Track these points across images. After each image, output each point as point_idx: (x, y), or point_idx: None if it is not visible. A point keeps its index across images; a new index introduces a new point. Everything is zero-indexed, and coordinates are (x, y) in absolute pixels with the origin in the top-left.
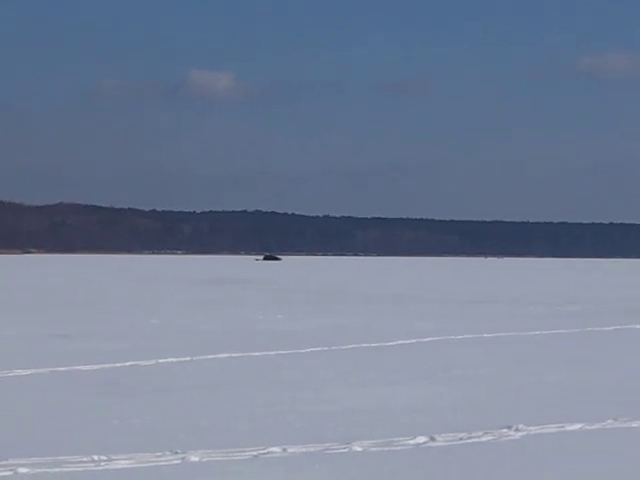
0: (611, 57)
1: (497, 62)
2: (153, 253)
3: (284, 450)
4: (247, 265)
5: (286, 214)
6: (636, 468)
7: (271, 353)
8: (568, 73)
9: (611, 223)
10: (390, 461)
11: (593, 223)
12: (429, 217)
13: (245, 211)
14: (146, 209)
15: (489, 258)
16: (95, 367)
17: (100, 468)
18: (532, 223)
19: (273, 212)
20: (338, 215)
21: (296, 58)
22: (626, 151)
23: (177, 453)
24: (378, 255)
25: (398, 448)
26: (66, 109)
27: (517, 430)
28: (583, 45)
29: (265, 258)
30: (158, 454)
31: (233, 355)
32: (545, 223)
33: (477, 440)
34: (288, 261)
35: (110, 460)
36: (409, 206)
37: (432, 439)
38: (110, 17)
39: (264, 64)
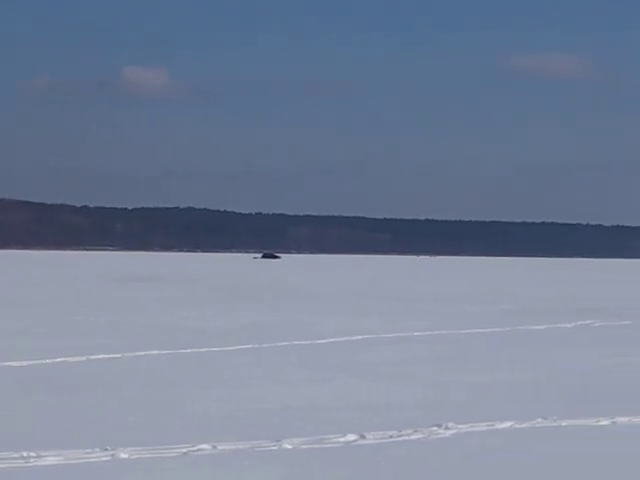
0: (545, 57)
1: (429, 61)
2: (84, 250)
3: (214, 447)
4: (180, 262)
5: (218, 211)
6: (564, 466)
7: (202, 350)
8: (501, 72)
9: (543, 222)
10: (320, 459)
11: (525, 222)
12: (361, 215)
13: (177, 208)
14: (78, 205)
15: (421, 256)
16: (25, 363)
17: (30, 464)
18: (464, 222)
19: (205, 209)
20: (270, 212)
21: (229, 55)
22: (558, 150)
23: (107, 450)
24: (310, 253)
25: (328, 446)
26: None
27: (447, 428)
28: (516, 45)
29: (264, 256)
30: (88, 451)
31: (163, 352)
32: (477, 222)
33: (407, 438)
34: (220, 258)
35: (39, 457)
36: (341, 204)
37: (362, 437)
38: (42, 13)
39: (197, 61)
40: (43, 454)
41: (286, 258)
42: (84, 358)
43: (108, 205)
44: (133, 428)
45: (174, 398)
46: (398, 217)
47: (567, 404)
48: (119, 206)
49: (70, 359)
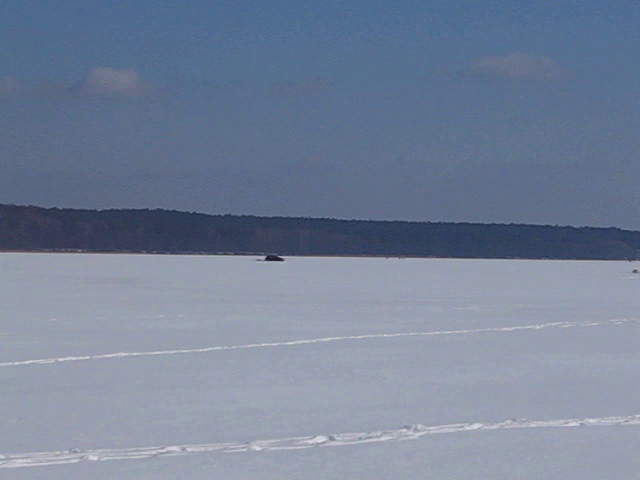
0: (508, 59)
1: (396, 63)
2: (53, 251)
3: (183, 449)
4: (148, 264)
5: (187, 213)
6: (532, 468)
7: (171, 352)
8: (465, 74)
9: (512, 224)
10: (289, 460)
11: (494, 224)
12: (331, 217)
13: (147, 210)
14: (47, 207)
15: (390, 258)
16: None
17: None
18: (433, 223)
19: (174, 211)
20: (239, 214)
21: (198, 56)
22: (526, 152)
23: (76, 452)
24: (279, 254)
25: (297, 448)
26: None
27: (416, 430)
28: (480, 47)
29: (267, 258)
30: (57, 453)
31: (133, 354)
32: (446, 224)
33: (376, 440)
34: (189, 260)
35: (8, 459)
36: (311, 206)
37: (331, 439)
38: (10, 14)
39: (166, 62)
40: (12, 456)
41: (290, 261)
42: (52, 360)
43: (77, 207)
44: (102, 430)
45: (143, 400)
46: (368, 219)
47: (536, 405)
48: (88, 208)
49: (39, 361)
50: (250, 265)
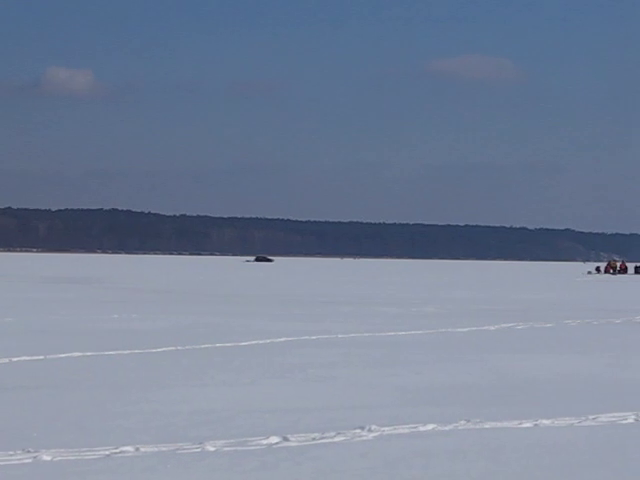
0: (462, 61)
1: (350, 64)
2: (8, 251)
3: (137, 449)
4: (103, 264)
5: (142, 213)
6: (486, 469)
7: (125, 352)
8: (419, 76)
9: (467, 225)
10: (243, 461)
11: (449, 225)
12: (286, 217)
13: (101, 209)
14: (1, 206)
15: (345, 258)
16: None
17: None
18: (388, 224)
19: (129, 211)
20: (194, 214)
21: (153, 57)
22: (480, 154)
23: (29, 452)
24: (234, 255)
25: (251, 448)
26: None
27: (370, 431)
28: (434, 49)
29: (257, 259)
30: (10, 453)
31: (87, 354)
32: (401, 224)
33: (330, 440)
34: (144, 260)
35: None
36: (266, 206)
37: (285, 439)
38: None
39: (123, 62)
40: None
41: (279, 262)
42: (6, 360)
43: (32, 207)
44: (56, 430)
45: (97, 400)
46: (323, 219)
47: (490, 406)
48: (43, 207)
49: None
50: (195, 263)
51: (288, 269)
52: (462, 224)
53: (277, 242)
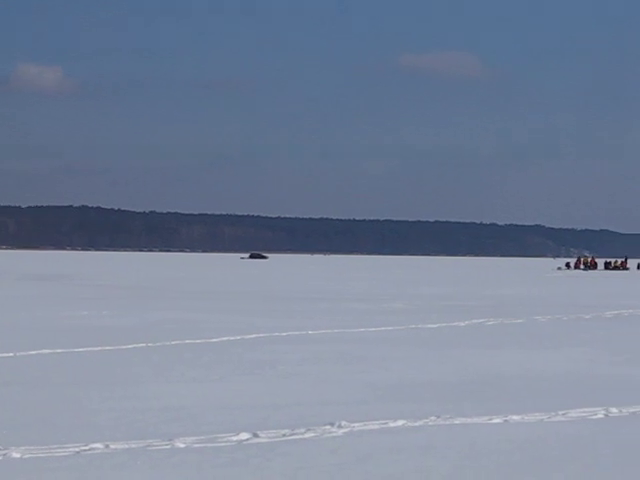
0: (432, 56)
1: (320, 60)
2: None
3: (106, 446)
4: (73, 260)
5: (112, 209)
6: (455, 465)
7: (95, 349)
8: (389, 71)
9: (436, 221)
10: (212, 457)
11: (418, 221)
12: (256, 214)
13: (71, 206)
14: None
15: (315, 255)
16: None
17: None
18: (358, 220)
19: (99, 207)
20: (164, 211)
21: (122, 54)
22: (450, 150)
23: None
24: (204, 251)
25: (221, 444)
26: None
27: (340, 427)
28: (404, 44)
29: (251, 256)
30: None
31: (57, 351)
32: (371, 220)
33: (300, 437)
34: (114, 257)
35: None
36: (236, 202)
37: (255, 435)
38: None
39: (93, 59)
40: None
41: (273, 258)
42: None
43: (1, 203)
44: (25, 427)
45: (66, 397)
46: (293, 216)
47: (460, 402)
48: (12, 204)
49: None
50: (165, 260)
51: (280, 266)
52: (432, 220)
53: (247, 238)
